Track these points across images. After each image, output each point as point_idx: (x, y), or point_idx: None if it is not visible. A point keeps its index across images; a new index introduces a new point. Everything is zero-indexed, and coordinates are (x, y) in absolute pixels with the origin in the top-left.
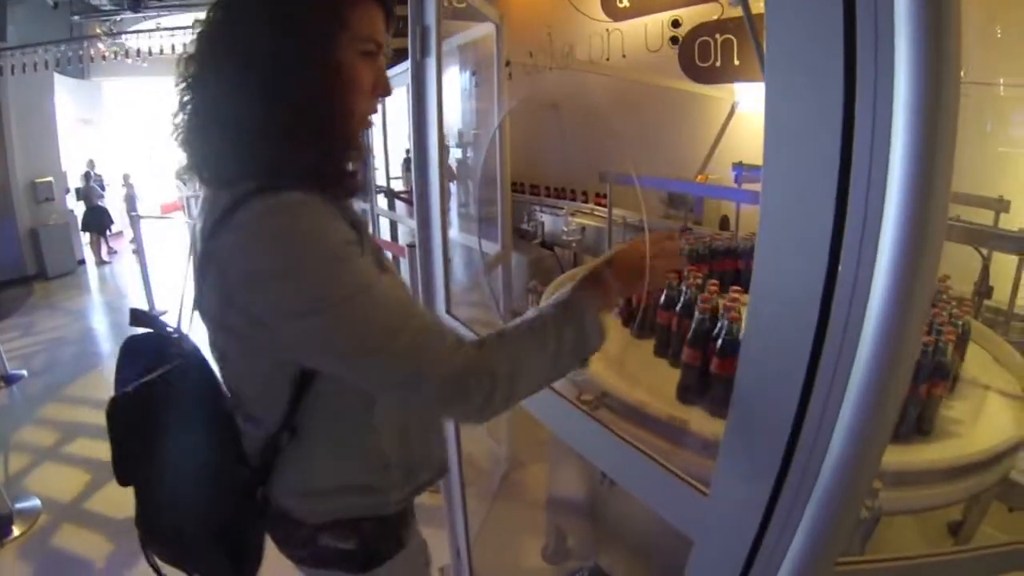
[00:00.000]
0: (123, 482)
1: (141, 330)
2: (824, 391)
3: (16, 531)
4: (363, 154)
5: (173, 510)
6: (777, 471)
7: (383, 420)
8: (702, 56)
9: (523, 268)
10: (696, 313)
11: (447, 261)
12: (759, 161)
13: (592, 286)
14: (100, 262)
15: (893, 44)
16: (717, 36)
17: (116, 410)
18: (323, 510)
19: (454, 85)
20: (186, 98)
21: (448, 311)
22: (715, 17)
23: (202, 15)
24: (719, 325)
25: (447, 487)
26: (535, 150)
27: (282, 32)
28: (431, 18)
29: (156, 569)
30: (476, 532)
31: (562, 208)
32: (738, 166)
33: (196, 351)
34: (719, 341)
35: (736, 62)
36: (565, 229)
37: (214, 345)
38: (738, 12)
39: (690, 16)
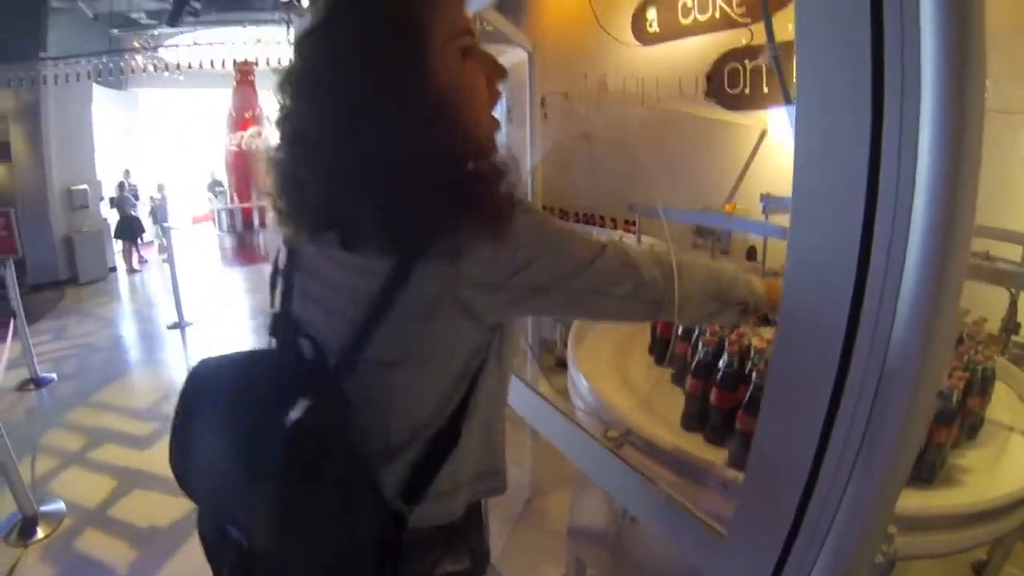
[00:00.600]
0: (187, 489)
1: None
2: (841, 439)
3: (40, 533)
4: (493, 135)
5: (325, 564)
6: (793, 517)
7: (497, 428)
8: (731, 83)
9: None
10: (700, 345)
11: None
12: (788, 190)
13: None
14: (131, 270)
15: (920, 70)
16: (747, 62)
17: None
18: (457, 507)
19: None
20: (291, 148)
21: None
22: (744, 43)
23: (238, 30)
24: (723, 358)
25: None
26: (565, 175)
27: (370, 65)
28: None
29: None
30: (496, 556)
31: (592, 235)
32: (766, 197)
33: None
34: (720, 373)
35: (765, 89)
36: None
37: (389, 353)
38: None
39: (720, 42)
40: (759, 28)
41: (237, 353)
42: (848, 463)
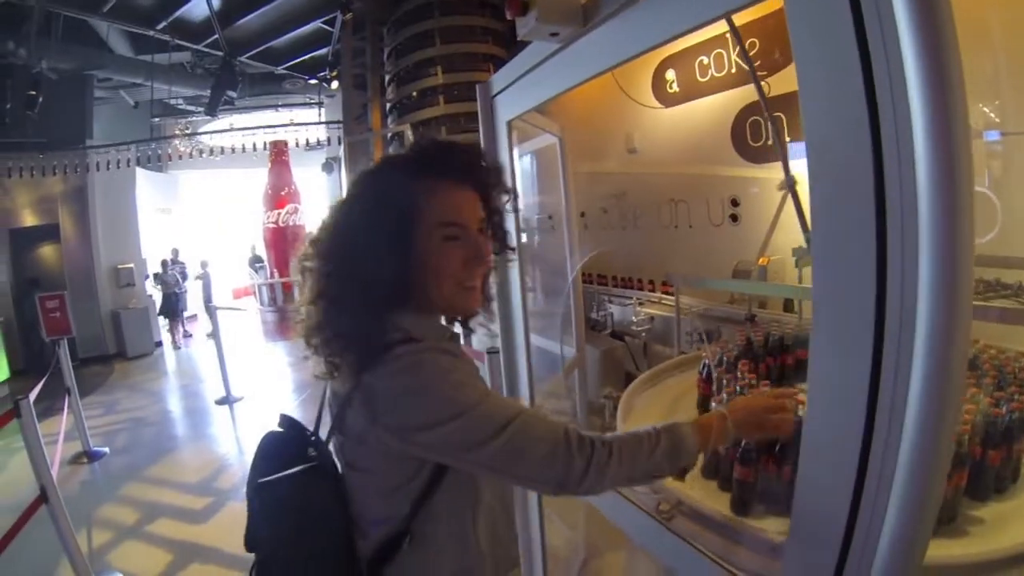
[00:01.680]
0: (250, 549)
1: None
2: (871, 500)
3: None
4: (467, 309)
5: None
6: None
7: (481, 522)
8: (754, 136)
9: (595, 359)
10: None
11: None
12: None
13: (705, 418)
14: (176, 346)
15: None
16: (767, 114)
17: (258, 493)
18: None
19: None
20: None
21: None
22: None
23: (271, 113)
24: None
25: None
26: (602, 239)
27: (371, 234)
28: (504, 155)
29: None
30: None
31: (630, 298)
32: (798, 250)
33: (331, 456)
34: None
35: (788, 139)
36: (634, 319)
37: (349, 459)
38: (785, 89)
39: (740, 96)
40: (776, 80)
41: (285, 431)
42: (878, 523)
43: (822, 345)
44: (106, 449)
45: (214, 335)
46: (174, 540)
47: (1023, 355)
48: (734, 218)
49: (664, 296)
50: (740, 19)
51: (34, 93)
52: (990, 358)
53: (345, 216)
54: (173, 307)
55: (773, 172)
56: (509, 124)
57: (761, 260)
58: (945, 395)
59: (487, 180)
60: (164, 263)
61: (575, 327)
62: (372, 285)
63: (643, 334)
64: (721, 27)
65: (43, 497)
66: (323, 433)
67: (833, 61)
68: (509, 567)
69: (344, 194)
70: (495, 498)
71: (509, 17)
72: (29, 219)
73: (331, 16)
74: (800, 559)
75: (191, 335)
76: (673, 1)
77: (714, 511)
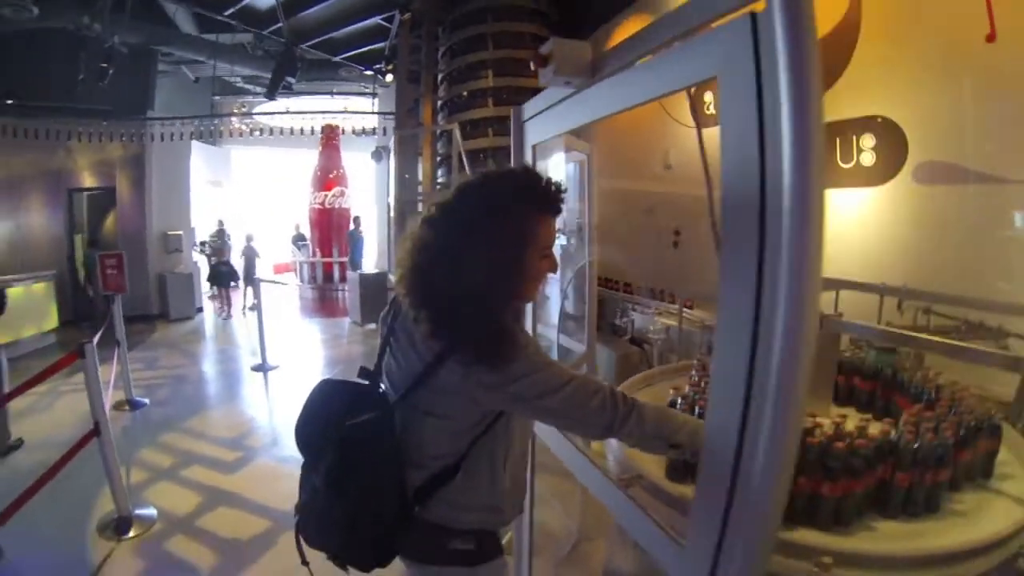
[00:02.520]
0: (334, 486)
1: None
2: (748, 456)
3: (133, 532)
4: (532, 301)
5: (350, 514)
6: (720, 528)
7: (508, 466)
8: None
9: (613, 361)
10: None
11: None
12: (830, 270)
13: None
14: (227, 316)
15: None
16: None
17: (340, 430)
18: (462, 520)
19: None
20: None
21: None
22: None
23: (327, 99)
24: None
25: (517, 546)
26: (631, 249)
27: (491, 245)
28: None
29: (301, 550)
30: None
31: (650, 308)
32: None
33: (391, 407)
34: None
35: None
36: (652, 328)
37: (427, 407)
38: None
39: None
40: None
41: (344, 380)
42: (753, 467)
43: (722, 343)
44: (147, 400)
45: (256, 307)
46: (204, 485)
47: (984, 399)
48: None
49: (686, 310)
50: None
51: (105, 65)
52: (951, 393)
53: (459, 229)
54: (226, 277)
55: None
56: (534, 147)
57: None
58: (794, 376)
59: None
60: (221, 232)
61: (587, 326)
62: (485, 286)
63: (658, 343)
64: None
65: (96, 431)
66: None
67: (743, 128)
68: (519, 511)
69: (452, 199)
70: (522, 448)
71: (533, 68)
72: (88, 181)
73: (390, 13)
74: (701, 510)
75: (232, 304)
76: (649, 73)
77: (662, 484)
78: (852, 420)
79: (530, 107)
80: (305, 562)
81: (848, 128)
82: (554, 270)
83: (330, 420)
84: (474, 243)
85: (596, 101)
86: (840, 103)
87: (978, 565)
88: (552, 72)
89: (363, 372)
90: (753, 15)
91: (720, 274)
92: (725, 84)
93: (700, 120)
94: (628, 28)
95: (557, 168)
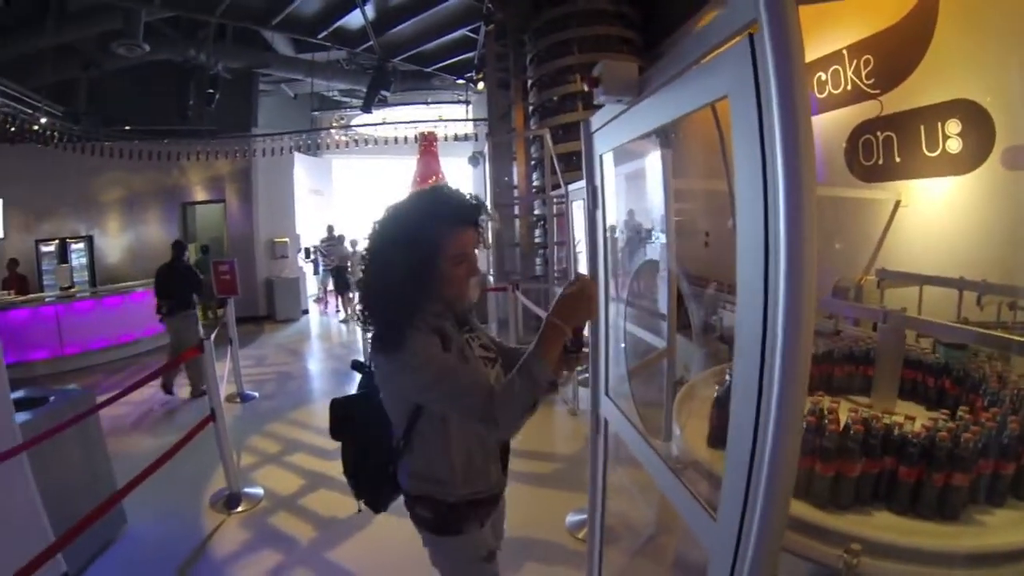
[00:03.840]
0: (335, 438)
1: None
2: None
3: (241, 508)
4: (463, 302)
5: (352, 464)
6: (742, 503)
7: (454, 442)
8: (865, 155)
9: (700, 358)
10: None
11: (608, 353)
12: (918, 263)
13: (542, 331)
14: (345, 318)
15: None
16: (879, 134)
17: (336, 404)
18: (416, 487)
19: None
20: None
21: (607, 394)
22: (876, 114)
23: (422, 108)
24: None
25: (590, 534)
26: (725, 248)
27: (405, 253)
28: (599, 180)
29: (362, 499)
30: None
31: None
32: (881, 271)
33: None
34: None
35: (898, 159)
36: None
37: (379, 384)
38: (899, 107)
39: (853, 114)
40: (889, 99)
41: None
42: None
43: (742, 333)
44: (256, 393)
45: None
46: (307, 470)
47: None
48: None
49: None
50: (857, 35)
51: (212, 91)
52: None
53: (387, 240)
54: (345, 280)
55: (884, 192)
56: (601, 156)
57: (860, 278)
58: (795, 356)
59: (479, 217)
60: (340, 238)
61: (667, 323)
62: (402, 291)
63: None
64: (836, 43)
65: (212, 417)
66: None
67: (750, 157)
68: (486, 488)
69: (386, 215)
70: (468, 434)
71: (586, 89)
72: (199, 195)
73: (476, 25)
74: (728, 489)
75: (339, 310)
76: (679, 91)
77: (712, 468)
78: (921, 418)
79: (596, 120)
80: (360, 510)
81: (931, 114)
82: (472, 275)
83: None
84: (393, 251)
85: (644, 115)
86: (921, 89)
87: None
88: (602, 93)
89: (354, 364)
90: (751, 36)
91: (737, 274)
92: (733, 102)
93: (722, 133)
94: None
95: (650, 169)
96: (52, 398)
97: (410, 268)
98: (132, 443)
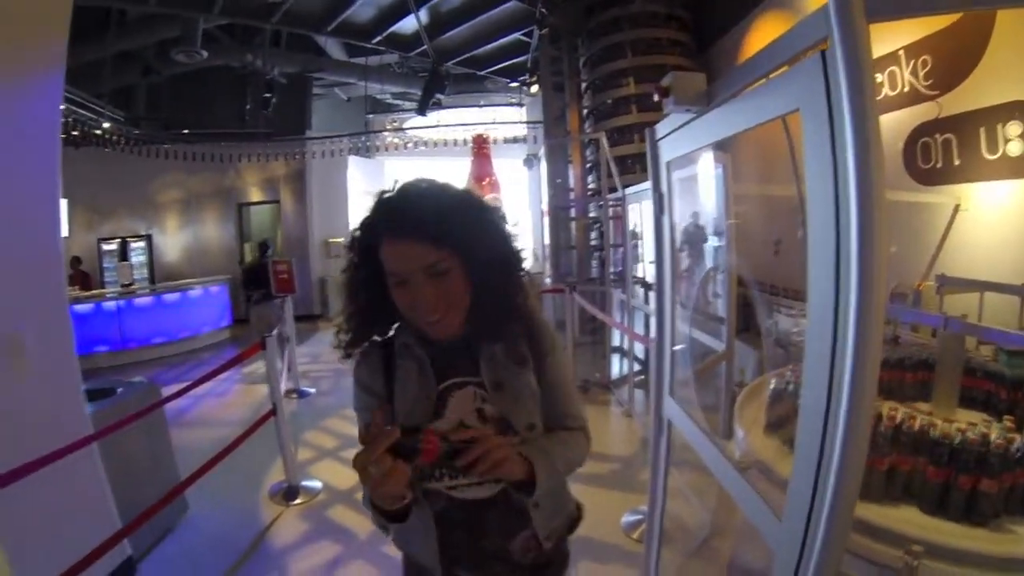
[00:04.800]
0: None
1: None
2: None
3: (299, 500)
4: (436, 332)
5: None
6: (809, 504)
7: None
8: (924, 157)
9: (756, 360)
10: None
11: (673, 355)
12: (978, 268)
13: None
14: None
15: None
16: (937, 136)
17: None
18: None
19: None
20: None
21: (671, 394)
22: (934, 116)
23: (475, 110)
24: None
25: (648, 535)
26: (787, 251)
27: (354, 268)
28: (664, 187)
29: None
30: None
31: (793, 310)
32: (941, 277)
33: None
34: None
35: (957, 161)
36: (794, 330)
37: None
38: (958, 109)
39: (910, 116)
40: (947, 100)
41: None
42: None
43: (812, 340)
44: (312, 390)
45: None
46: None
47: None
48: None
49: None
50: (913, 35)
51: (269, 95)
52: None
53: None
54: None
55: (942, 196)
56: (667, 164)
57: (919, 284)
58: (864, 361)
59: (426, 227)
60: None
61: (727, 327)
62: (360, 307)
63: (793, 346)
64: (891, 44)
65: (272, 411)
66: None
67: (821, 170)
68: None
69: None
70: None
71: (656, 99)
72: (255, 196)
73: (529, 28)
74: (795, 490)
75: None
76: (750, 103)
77: (775, 468)
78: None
79: (661, 127)
80: None
81: (991, 116)
82: (424, 308)
83: None
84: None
85: (712, 125)
86: (980, 90)
87: None
88: (672, 103)
89: None
90: (823, 52)
91: (807, 282)
92: (805, 116)
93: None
94: (761, 25)
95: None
96: (120, 390)
97: (349, 277)
98: (193, 435)
